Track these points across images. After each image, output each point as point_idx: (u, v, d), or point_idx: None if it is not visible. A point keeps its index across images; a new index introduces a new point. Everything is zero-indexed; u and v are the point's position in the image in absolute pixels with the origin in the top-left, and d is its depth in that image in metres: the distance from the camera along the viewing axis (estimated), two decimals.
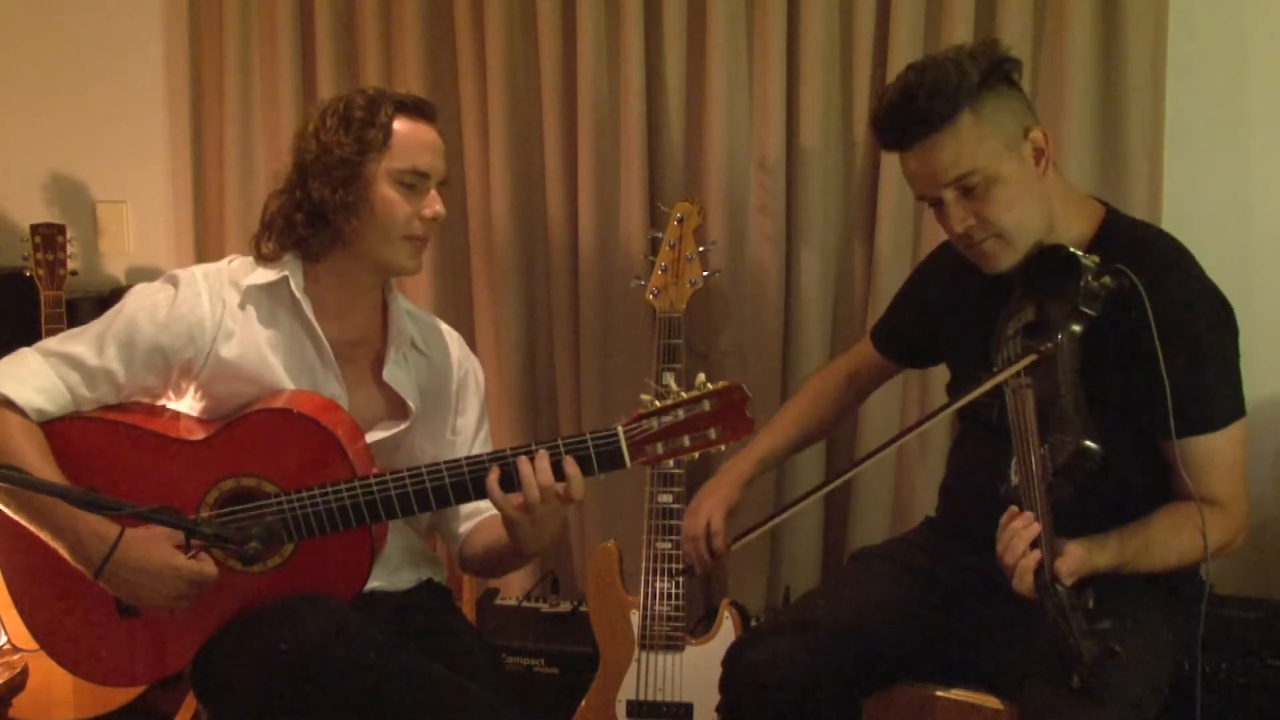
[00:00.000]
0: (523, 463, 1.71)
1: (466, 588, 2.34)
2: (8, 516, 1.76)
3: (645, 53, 2.70)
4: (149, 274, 3.17)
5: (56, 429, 1.79)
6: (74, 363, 1.80)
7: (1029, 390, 1.71)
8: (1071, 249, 1.75)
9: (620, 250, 2.78)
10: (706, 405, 1.69)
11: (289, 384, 1.86)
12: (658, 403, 1.71)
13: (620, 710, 2.42)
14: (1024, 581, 1.62)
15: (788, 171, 2.68)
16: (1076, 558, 1.63)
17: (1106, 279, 1.71)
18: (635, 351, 2.78)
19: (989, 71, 1.76)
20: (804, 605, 2.00)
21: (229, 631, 1.76)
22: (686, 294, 2.47)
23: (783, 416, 2.25)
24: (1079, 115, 2.50)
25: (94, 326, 1.83)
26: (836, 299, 2.76)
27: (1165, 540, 1.75)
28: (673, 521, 2.41)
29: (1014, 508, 1.67)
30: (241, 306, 1.86)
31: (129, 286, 3.06)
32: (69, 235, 2.88)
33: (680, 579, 2.38)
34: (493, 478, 1.72)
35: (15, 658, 2.31)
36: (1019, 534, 1.64)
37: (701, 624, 2.58)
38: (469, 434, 2.04)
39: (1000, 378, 1.73)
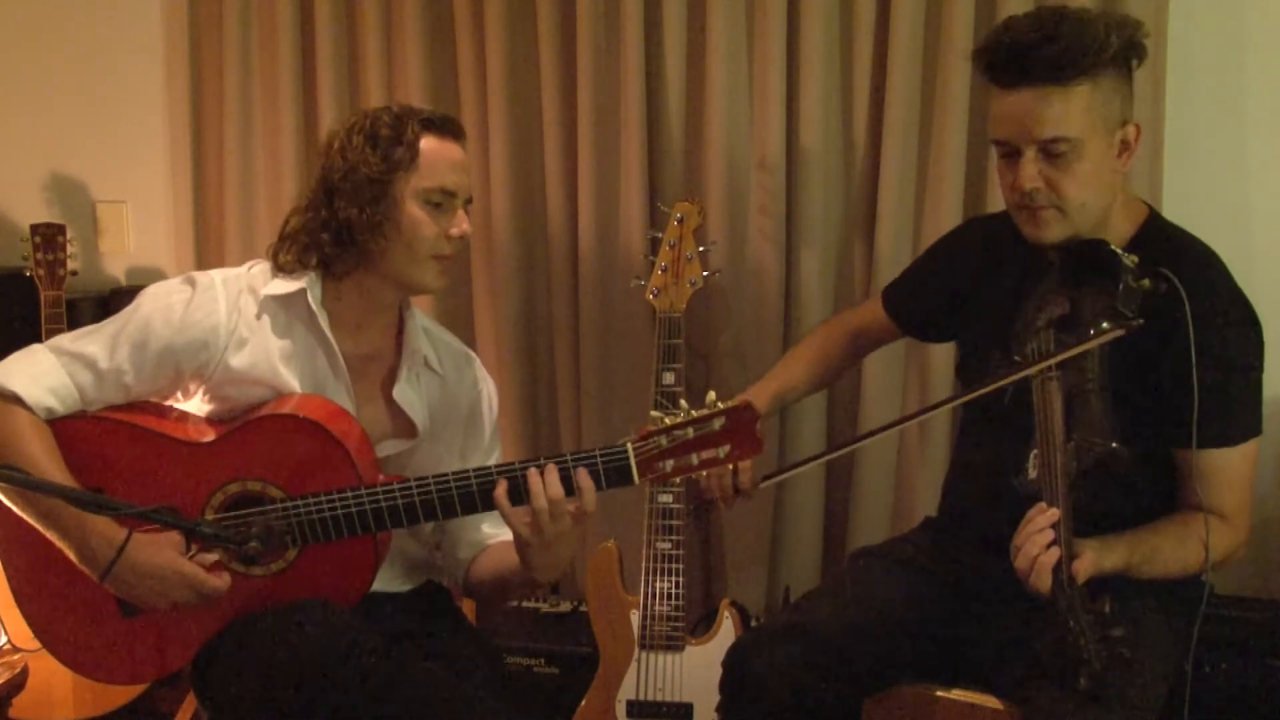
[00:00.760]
0: (532, 475, 1.70)
1: None
2: (12, 514, 1.76)
3: (645, 53, 2.70)
4: (149, 274, 3.17)
5: (64, 427, 1.79)
6: (86, 363, 1.80)
7: (1056, 385, 1.69)
8: (1114, 247, 1.73)
9: (620, 250, 2.78)
10: (717, 424, 1.68)
11: (298, 392, 1.86)
12: (667, 419, 1.69)
13: (620, 710, 2.42)
14: (1042, 580, 1.61)
15: (788, 171, 2.68)
16: (1089, 560, 1.62)
17: (1146, 281, 1.68)
18: (635, 351, 2.78)
19: (1126, 49, 1.72)
20: (804, 605, 2.00)
21: (230, 634, 1.75)
22: (686, 294, 2.47)
23: (795, 359, 2.20)
24: None
25: (108, 326, 1.83)
26: (836, 299, 2.75)
27: (1171, 549, 1.75)
28: (673, 521, 2.42)
29: (1040, 504, 1.65)
30: (257, 315, 1.85)
31: (129, 286, 3.10)
32: (69, 235, 2.88)
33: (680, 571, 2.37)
34: (501, 490, 1.71)
35: (15, 658, 2.31)
36: (1038, 531, 1.62)
37: (701, 624, 2.58)
38: (483, 454, 2.03)
39: (1035, 369, 1.69)
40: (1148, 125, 2.49)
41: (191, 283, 1.85)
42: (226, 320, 1.82)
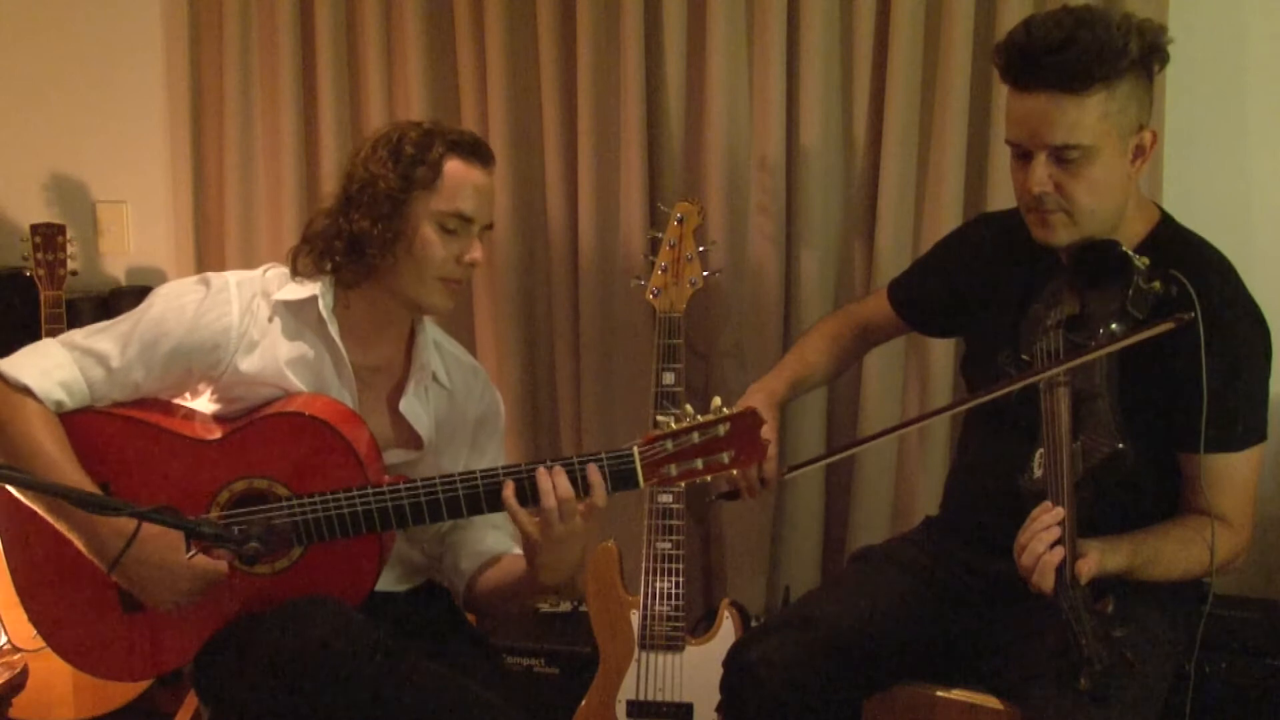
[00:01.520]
0: (541, 474, 1.70)
1: None
2: (16, 508, 1.77)
3: (645, 53, 2.70)
4: (149, 274, 3.17)
5: (72, 420, 1.80)
6: (98, 359, 1.81)
7: (1064, 385, 1.68)
8: (1125, 249, 1.72)
9: (620, 250, 2.78)
10: (721, 430, 1.69)
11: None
12: (673, 424, 1.70)
13: (620, 710, 2.42)
14: (1045, 579, 1.60)
15: (788, 171, 2.68)
16: (1091, 560, 1.62)
17: (1157, 283, 1.68)
18: (635, 351, 2.78)
19: (1145, 54, 1.70)
20: (804, 605, 2.00)
21: (232, 631, 1.76)
22: (686, 294, 2.47)
23: (806, 347, 2.18)
24: None
25: (120, 323, 1.83)
26: (836, 299, 2.75)
27: (1174, 552, 1.75)
28: (673, 521, 2.42)
29: (1046, 502, 1.65)
30: (269, 319, 1.85)
31: (129, 286, 3.10)
32: (69, 235, 2.88)
33: (680, 571, 2.37)
34: (509, 491, 1.71)
35: (15, 658, 2.31)
36: (1042, 530, 1.62)
37: (701, 624, 2.58)
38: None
39: (1050, 373, 1.69)
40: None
41: (206, 283, 1.85)
42: (239, 323, 1.82)
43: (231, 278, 1.87)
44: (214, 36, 2.99)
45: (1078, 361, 1.68)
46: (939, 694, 1.90)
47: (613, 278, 2.79)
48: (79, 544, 1.74)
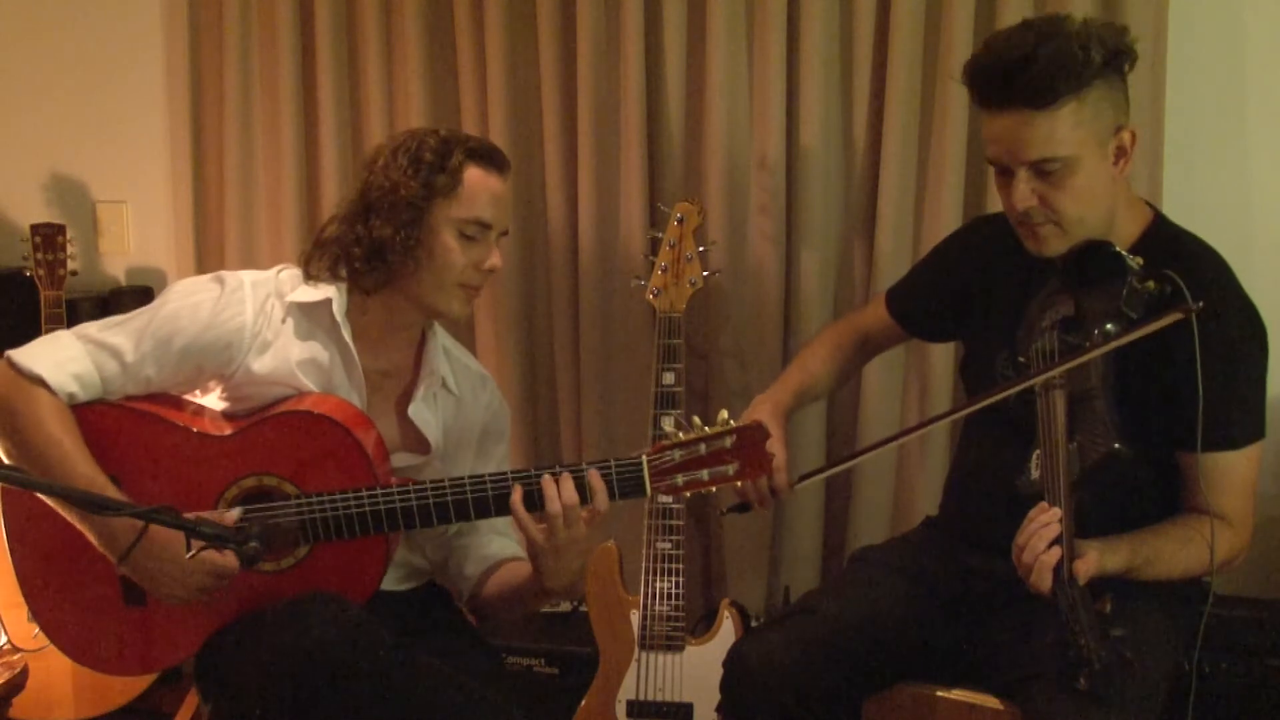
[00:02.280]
0: (546, 481, 1.72)
1: None
2: (20, 499, 1.77)
3: (645, 53, 2.70)
4: (149, 274, 3.17)
5: (84, 413, 1.81)
6: (111, 353, 1.82)
7: (1060, 387, 1.69)
8: (1119, 249, 1.73)
9: (620, 250, 2.78)
10: (728, 442, 1.71)
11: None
12: (681, 434, 1.72)
13: (620, 710, 2.42)
14: (1043, 579, 1.61)
15: (788, 171, 2.68)
16: (1090, 560, 1.62)
17: (1151, 283, 1.68)
18: (635, 351, 2.78)
19: (1110, 59, 1.70)
20: (804, 605, 2.00)
21: (235, 628, 1.76)
22: (686, 294, 2.47)
23: (810, 357, 2.19)
24: None
25: (135, 318, 1.84)
26: (836, 299, 2.75)
27: (1174, 551, 1.75)
28: (673, 521, 2.42)
29: (1043, 503, 1.65)
30: (282, 320, 1.86)
31: (129, 286, 3.10)
32: (69, 235, 2.88)
33: (680, 571, 2.37)
34: (516, 496, 1.72)
35: (15, 658, 2.31)
36: (1040, 530, 1.62)
37: (701, 624, 2.58)
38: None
39: (1047, 376, 1.69)
40: (1148, 126, 2.49)
41: (221, 282, 1.86)
42: (252, 323, 1.83)
43: (246, 277, 1.87)
44: (214, 36, 2.99)
45: (1074, 363, 1.68)
46: (939, 694, 1.90)
47: (613, 278, 2.79)
48: (90, 537, 1.74)
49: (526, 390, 2.92)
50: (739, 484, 1.73)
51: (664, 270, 2.47)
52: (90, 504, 1.59)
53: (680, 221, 2.48)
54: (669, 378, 2.43)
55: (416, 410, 1.93)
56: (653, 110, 2.74)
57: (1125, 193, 1.85)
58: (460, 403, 2.00)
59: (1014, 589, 1.67)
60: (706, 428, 1.72)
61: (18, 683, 2.25)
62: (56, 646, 1.87)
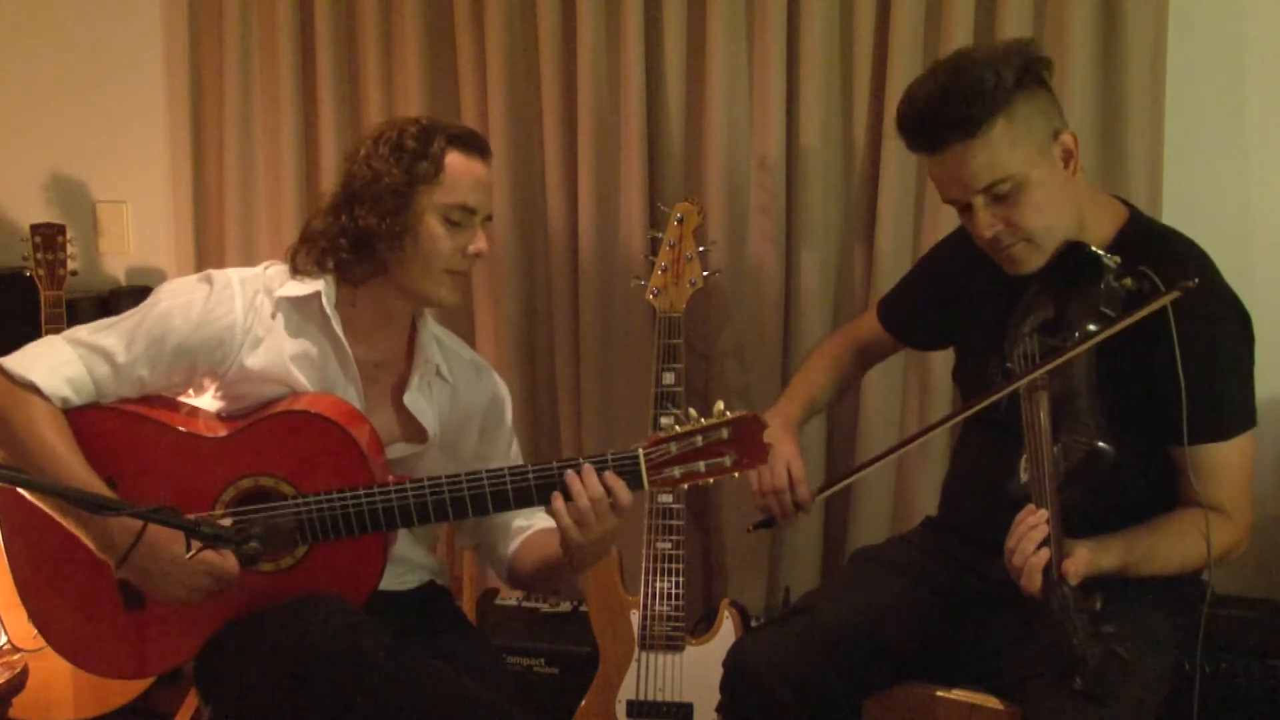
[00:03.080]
0: (571, 477, 1.71)
1: (467, 588, 2.35)
2: (17, 504, 1.77)
3: (645, 53, 2.70)
4: (149, 274, 3.17)
5: (78, 417, 1.80)
6: (103, 355, 1.81)
7: (1043, 390, 1.69)
8: (1094, 249, 1.74)
9: (620, 250, 2.78)
10: (724, 433, 1.70)
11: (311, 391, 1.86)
12: (677, 427, 1.72)
13: (620, 710, 2.42)
14: (1032, 580, 1.61)
15: (788, 171, 2.68)
16: (1082, 559, 1.62)
17: (1128, 280, 1.69)
18: (635, 351, 2.78)
19: (1023, 73, 1.73)
20: (804, 605, 2.00)
21: (235, 629, 1.76)
22: (686, 294, 2.47)
23: (811, 370, 2.20)
24: (1079, 116, 2.49)
25: (125, 320, 1.84)
26: (836, 299, 2.76)
27: (1169, 546, 1.75)
28: (673, 522, 2.42)
29: (1030, 505, 1.66)
30: (272, 315, 1.86)
31: (129, 286, 3.10)
32: (69, 235, 2.87)
33: (680, 571, 2.37)
34: (559, 503, 1.72)
35: (15, 658, 2.31)
36: (1028, 532, 1.63)
37: (701, 624, 2.58)
38: (501, 458, 2.04)
39: (1028, 379, 1.70)
40: (1148, 125, 2.50)
41: (209, 280, 1.86)
42: (243, 319, 1.83)
43: (234, 274, 1.87)
44: (214, 37, 2.99)
45: (1052, 365, 1.69)
46: (939, 694, 1.90)
47: (613, 278, 2.79)
48: (87, 541, 1.74)
49: (527, 390, 2.92)
50: (735, 474, 1.72)
51: (664, 270, 2.47)
52: (90, 504, 1.59)
53: (680, 221, 2.48)
54: (669, 378, 2.43)
55: (412, 399, 1.93)
56: (653, 110, 2.74)
57: (1089, 193, 1.87)
58: (455, 390, 2.00)
59: (1013, 589, 1.67)
60: (703, 419, 1.71)
61: (18, 683, 2.25)
62: (56, 651, 1.86)
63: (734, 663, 1.90)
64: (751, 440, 1.70)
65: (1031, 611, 1.66)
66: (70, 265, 2.87)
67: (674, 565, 2.41)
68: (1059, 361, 1.68)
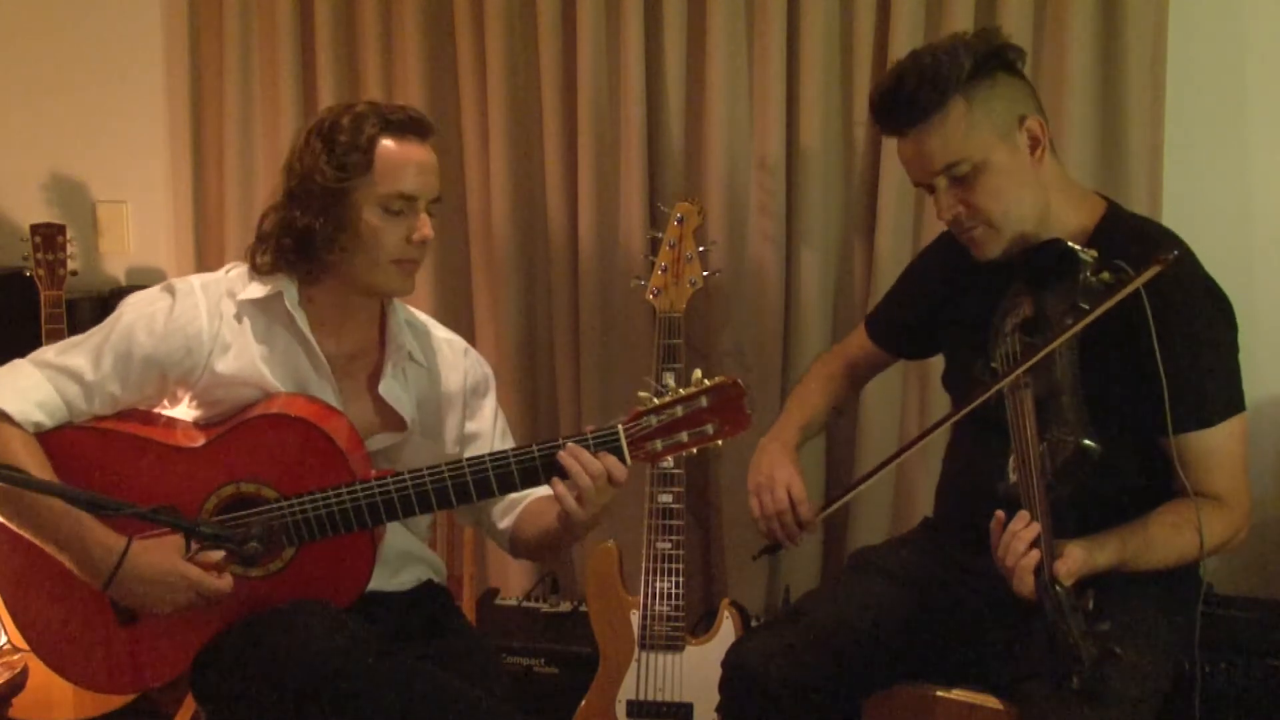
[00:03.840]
0: (565, 458, 1.70)
1: (466, 587, 2.34)
2: (7, 528, 1.75)
3: (645, 53, 2.70)
4: (149, 274, 3.17)
5: (53, 438, 1.79)
6: (72, 375, 1.80)
7: (1027, 389, 1.70)
8: (1069, 243, 1.74)
9: (620, 250, 2.78)
10: (704, 401, 1.69)
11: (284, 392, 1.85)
12: (656, 400, 1.71)
13: (620, 710, 2.42)
14: (1024, 583, 1.61)
15: (788, 171, 2.68)
16: (1076, 558, 1.62)
17: (1106, 274, 1.70)
18: (635, 351, 2.78)
19: (984, 59, 1.76)
20: (804, 605, 2.00)
21: (229, 637, 1.75)
22: (686, 294, 2.47)
23: (806, 392, 2.20)
24: (1079, 115, 2.50)
25: (90, 338, 1.82)
26: (836, 299, 2.76)
27: (1166, 538, 1.74)
28: (673, 521, 2.42)
29: (1000, 513, 1.66)
30: (238, 319, 1.84)
31: (129, 286, 3.10)
32: (69, 235, 2.87)
33: (680, 571, 2.37)
34: (561, 488, 1.71)
35: (15, 658, 2.31)
36: (1018, 535, 1.63)
37: (701, 624, 2.58)
38: (487, 435, 2.03)
39: (1007, 380, 1.71)
40: (1148, 125, 2.50)
41: (171, 290, 1.84)
42: (209, 326, 1.82)
43: (196, 281, 1.86)
44: (214, 36, 2.99)
45: (1031, 361, 1.69)
46: (939, 694, 1.90)
47: (613, 278, 2.79)
48: (70, 565, 1.72)
49: (526, 390, 2.92)
50: (719, 442, 1.71)
51: (664, 270, 2.47)
52: (91, 505, 1.59)
53: (680, 221, 2.48)
54: (669, 378, 2.42)
55: (387, 388, 1.91)
56: (653, 110, 2.74)
57: (1062, 184, 1.87)
58: (431, 372, 1.98)
59: (1011, 590, 1.67)
60: (681, 389, 1.70)
61: (18, 683, 2.24)
62: (54, 671, 1.85)
63: (734, 663, 1.90)
64: (732, 406, 1.69)
65: (1028, 612, 1.66)
66: (70, 265, 2.87)
67: (674, 565, 2.41)
68: (1036, 359, 1.69)
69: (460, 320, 2.91)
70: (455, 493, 1.74)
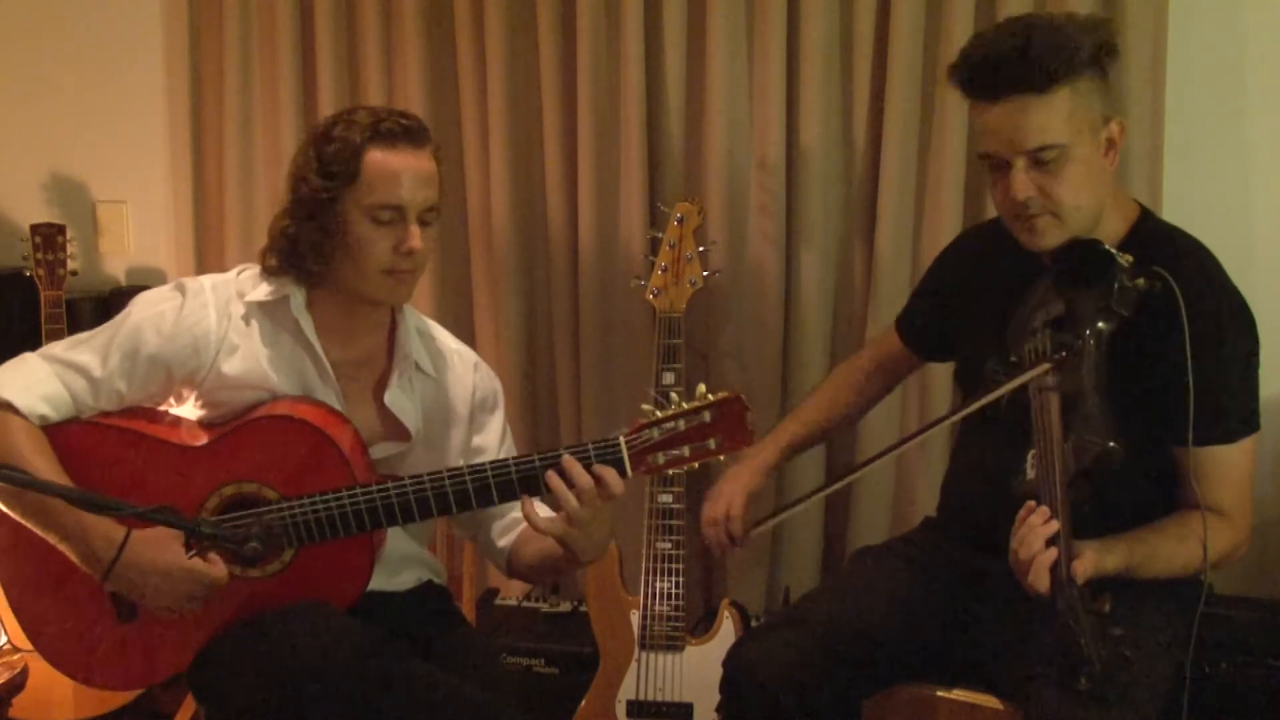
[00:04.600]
0: (552, 477, 1.69)
1: (466, 588, 2.34)
2: (7, 520, 1.76)
3: (645, 53, 2.70)
4: (149, 274, 3.17)
5: (57, 433, 1.79)
6: (79, 371, 1.80)
7: (1053, 386, 1.69)
8: (1108, 247, 1.73)
9: (620, 250, 2.78)
10: (707, 416, 1.69)
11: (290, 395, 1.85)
12: (659, 412, 1.70)
13: (620, 710, 2.42)
14: (1039, 579, 1.60)
15: (788, 171, 2.68)
16: (1089, 560, 1.62)
17: (1141, 280, 1.68)
18: (635, 351, 2.78)
19: (1097, 50, 1.73)
20: (804, 605, 2.00)
21: (227, 637, 1.75)
22: (686, 294, 2.47)
23: (809, 403, 2.22)
24: None
25: (99, 334, 1.83)
26: (836, 299, 2.76)
27: (1171, 548, 1.75)
28: (673, 521, 2.42)
29: (1031, 502, 1.65)
30: (246, 321, 1.85)
31: (129, 287, 3.10)
32: (69, 235, 2.88)
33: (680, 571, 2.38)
34: (530, 506, 1.71)
35: (15, 658, 2.31)
36: (1035, 530, 1.62)
37: (701, 624, 2.58)
38: (492, 450, 2.03)
39: (1035, 372, 1.70)
40: (1148, 125, 2.50)
41: (181, 289, 1.85)
42: (217, 326, 1.82)
43: (206, 281, 1.86)
44: (214, 36, 2.99)
45: (1062, 356, 1.68)
46: (939, 694, 1.90)
47: (613, 278, 2.79)
48: (71, 554, 1.72)
49: (526, 391, 2.92)
50: (720, 457, 1.71)
51: (664, 270, 2.47)
52: (91, 504, 1.59)
53: (680, 221, 2.48)
54: (669, 378, 2.43)
55: (393, 398, 1.91)
56: (653, 110, 2.74)
57: (1114, 188, 1.86)
58: (439, 384, 1.97)
59: (1013, 589, 1.67)
60: (684, 403, 1.70)
61: (18, 683, 2.25)
62: (54, 667, 1.85)
63: (734, 663, 1.90)
64: (735, 422, 1.69)
65: (1031, 611, 1.66)
66: (70, 265, 2.87)
67: (674, 565, 2.41)
68: (1070, 354, 1.67)
69: (460, 320, 2.91)
70: (455, 499, 1.73)
